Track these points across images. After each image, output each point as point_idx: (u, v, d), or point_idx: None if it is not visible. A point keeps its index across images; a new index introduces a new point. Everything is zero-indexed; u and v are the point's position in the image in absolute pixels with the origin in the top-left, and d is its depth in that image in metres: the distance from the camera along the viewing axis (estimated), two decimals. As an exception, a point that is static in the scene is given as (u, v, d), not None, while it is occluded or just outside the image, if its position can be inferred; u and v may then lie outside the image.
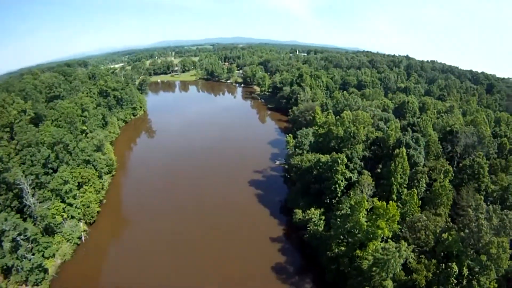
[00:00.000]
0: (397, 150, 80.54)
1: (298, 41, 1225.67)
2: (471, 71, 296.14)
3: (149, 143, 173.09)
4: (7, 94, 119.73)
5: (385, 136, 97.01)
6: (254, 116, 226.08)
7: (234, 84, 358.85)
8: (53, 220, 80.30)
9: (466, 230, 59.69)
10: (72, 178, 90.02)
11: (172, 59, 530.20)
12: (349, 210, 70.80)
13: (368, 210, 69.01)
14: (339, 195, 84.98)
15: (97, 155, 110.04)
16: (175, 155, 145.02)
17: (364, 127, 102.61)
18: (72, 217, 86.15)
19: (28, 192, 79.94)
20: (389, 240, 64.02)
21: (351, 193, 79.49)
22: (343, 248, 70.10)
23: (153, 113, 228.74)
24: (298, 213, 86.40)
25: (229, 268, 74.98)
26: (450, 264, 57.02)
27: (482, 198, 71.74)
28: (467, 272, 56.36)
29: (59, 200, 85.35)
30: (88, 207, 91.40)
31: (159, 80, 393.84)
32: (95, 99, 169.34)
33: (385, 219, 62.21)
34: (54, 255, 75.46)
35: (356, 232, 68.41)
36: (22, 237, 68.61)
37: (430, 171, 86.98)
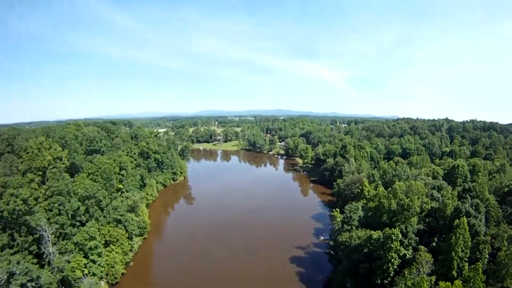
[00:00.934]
0: (457, 221, 72.89)
1: (337, 112, 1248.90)
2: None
3: (187, 209, 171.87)
4: (46, 139, 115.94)
5: (441, 205, 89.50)
6: (296, 189, 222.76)
7: (276, 155, 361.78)
8: (72, 273, 77.17)
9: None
10: (99, 235, 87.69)
11: (215, 128, 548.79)
12: (405, 293, 63.17)
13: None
14: (391, 274, 76.04)
15: (130, 216, 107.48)
16: (213, 224, 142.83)
17: (418, 198, 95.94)
18: (94, 275, 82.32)
19: (49, 240, 77.63)
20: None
21: (406, 272, 71.04)
22: None
23: (194, 179, 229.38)
24: (347, 297, 77.74)
25: None
26: None
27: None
28: None
29: (82, 255, 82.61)
30: (113, 267, 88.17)
31: (201, 148, 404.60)
32: (135, 159, 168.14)
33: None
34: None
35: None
36: (33, 284, 64.46)
37: (492, 240, 76.76)
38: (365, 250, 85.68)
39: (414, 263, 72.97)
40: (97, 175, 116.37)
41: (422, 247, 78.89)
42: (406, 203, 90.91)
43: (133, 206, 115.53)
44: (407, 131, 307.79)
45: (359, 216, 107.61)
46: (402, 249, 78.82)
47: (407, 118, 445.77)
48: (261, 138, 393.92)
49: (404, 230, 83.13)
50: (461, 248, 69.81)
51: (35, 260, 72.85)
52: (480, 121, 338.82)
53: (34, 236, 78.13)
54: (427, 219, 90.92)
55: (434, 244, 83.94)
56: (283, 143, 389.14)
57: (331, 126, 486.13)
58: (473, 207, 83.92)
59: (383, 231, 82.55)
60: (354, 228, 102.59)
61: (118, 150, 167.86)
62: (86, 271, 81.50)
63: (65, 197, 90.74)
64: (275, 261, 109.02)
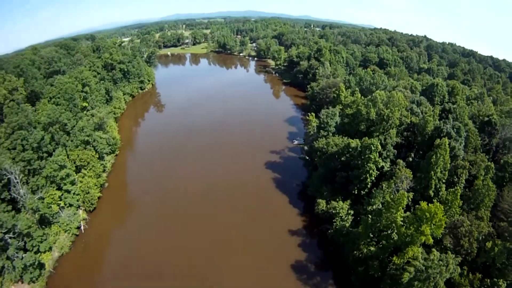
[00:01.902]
0: (438, 140, 70.38)
1: (311, 16, 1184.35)
2: (492, 57, 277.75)
3: (158, 119, 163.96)
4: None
5: (421, 121, 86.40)
6: (268, 91, 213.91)
7: (247, 57, 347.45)
8: (48, 210, 72.82)
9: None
10: (69, 162, 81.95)
11: (183, 31, 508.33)
12: (381, 206, 62.63)
13: (405, 208, 60.63)
14: (369, 186, 76.12)
15: (98, 134, 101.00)
16: (184, 132, 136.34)
17: (398, 110, 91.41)
18: (70, 205, 78.88)
19: (18, 182, 71.51)
20: (433, 249, 55.68)
21: (384, 186, 70.62)
22: (373, 249, 62.36)
23: (162, 86, 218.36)
24: (321, 204, 78.11)
25: (243, 263, 68.16)
26: (496, 280, 51.31)
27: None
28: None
29: (55, 188, 77.64)
30: (88, 193, 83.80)
31: (169, 53, 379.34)
32: (99, 73, 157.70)
33: (431, 224, 53.87)
34: (51, 248, 68.84)
35: (390, 232, 60.57)
36: (10, 235, 61.67)
37: (470, 166, 77.56)
38: (342, 159, 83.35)
39: (393, 177, 71.97)
40: (59, 98, 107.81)
41: (400, 161, 77.84)
42: (386, 114, 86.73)
43: (100, 123, 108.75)
44: (384, 42, 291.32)
45: (336, 122, 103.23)
46: (381, 160, 76.81)
47: (385, 29, 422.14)
48: (231, 40, 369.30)
49: (383, 141, 79.99)
50: (440, 169, 68.84)
51: (9, 207, 65.30)
52: (459, 46, 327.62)
53: (3, 181, 70.65)
54: (405, 133, 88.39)
55: (410, 159, 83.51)
56: (254, 45, 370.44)
57: (305, 29, 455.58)
58: (455, 129, 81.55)
59: (362, 140, 78.88)
60: (331, 134, 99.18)
61: (79, 67, 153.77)
62: (62, 204, 77.59)
63: (28, 130, 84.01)
64: (249, 167, 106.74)
